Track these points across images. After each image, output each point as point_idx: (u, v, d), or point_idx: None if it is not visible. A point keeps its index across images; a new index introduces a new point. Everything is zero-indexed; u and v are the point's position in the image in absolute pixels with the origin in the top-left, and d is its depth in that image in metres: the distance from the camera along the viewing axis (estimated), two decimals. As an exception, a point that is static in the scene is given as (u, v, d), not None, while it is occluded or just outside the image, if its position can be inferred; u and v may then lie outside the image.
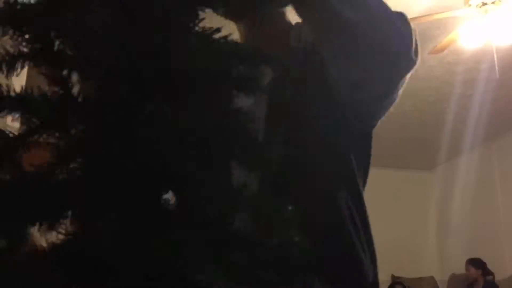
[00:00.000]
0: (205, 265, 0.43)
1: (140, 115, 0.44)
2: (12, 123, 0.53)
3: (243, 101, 0.55)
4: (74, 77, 0.44)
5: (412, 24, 0.85)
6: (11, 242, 0.46)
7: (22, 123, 0.49)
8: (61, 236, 0.47)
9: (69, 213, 0.48)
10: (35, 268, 0.44)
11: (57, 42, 0.44)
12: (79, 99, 0.44)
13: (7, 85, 0.46)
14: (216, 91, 0.49)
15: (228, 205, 0.47)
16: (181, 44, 0.47)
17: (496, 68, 3.68)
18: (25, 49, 0.44)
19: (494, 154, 5.95)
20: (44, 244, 0.47)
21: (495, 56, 3.48)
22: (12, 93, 0.46)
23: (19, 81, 0.49)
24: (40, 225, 0.46)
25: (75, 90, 0.44)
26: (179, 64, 0.46)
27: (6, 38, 0.47)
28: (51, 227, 0.46)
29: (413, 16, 3.33)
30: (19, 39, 0.45)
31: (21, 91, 0.45)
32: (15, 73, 0.47)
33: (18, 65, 0.46)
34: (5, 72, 0.45)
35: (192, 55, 0.47)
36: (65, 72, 0.43)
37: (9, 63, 0.45)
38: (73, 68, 0.44)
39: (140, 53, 0.44)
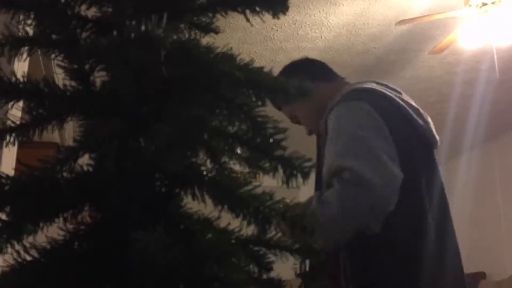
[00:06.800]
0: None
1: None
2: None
3: None
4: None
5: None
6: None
7: (26, 113, 0.48)
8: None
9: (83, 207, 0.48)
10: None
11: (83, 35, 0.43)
12: (97, 94, 0.43)
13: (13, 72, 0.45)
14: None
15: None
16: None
17: (496, 68, 3.67)
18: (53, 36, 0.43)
19: (494, 154, 5.94)
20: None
21: (495, 56, 3.48)
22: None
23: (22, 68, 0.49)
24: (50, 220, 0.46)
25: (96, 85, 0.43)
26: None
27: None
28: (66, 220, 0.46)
29: (413, 16, 3.33)
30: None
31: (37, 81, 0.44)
32: (20, 58, 0.45)
33: (24, 50, 0.44)
34: (7, 56, 0.44)
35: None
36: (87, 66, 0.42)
37: (13, 47, 0.44)
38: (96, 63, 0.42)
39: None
